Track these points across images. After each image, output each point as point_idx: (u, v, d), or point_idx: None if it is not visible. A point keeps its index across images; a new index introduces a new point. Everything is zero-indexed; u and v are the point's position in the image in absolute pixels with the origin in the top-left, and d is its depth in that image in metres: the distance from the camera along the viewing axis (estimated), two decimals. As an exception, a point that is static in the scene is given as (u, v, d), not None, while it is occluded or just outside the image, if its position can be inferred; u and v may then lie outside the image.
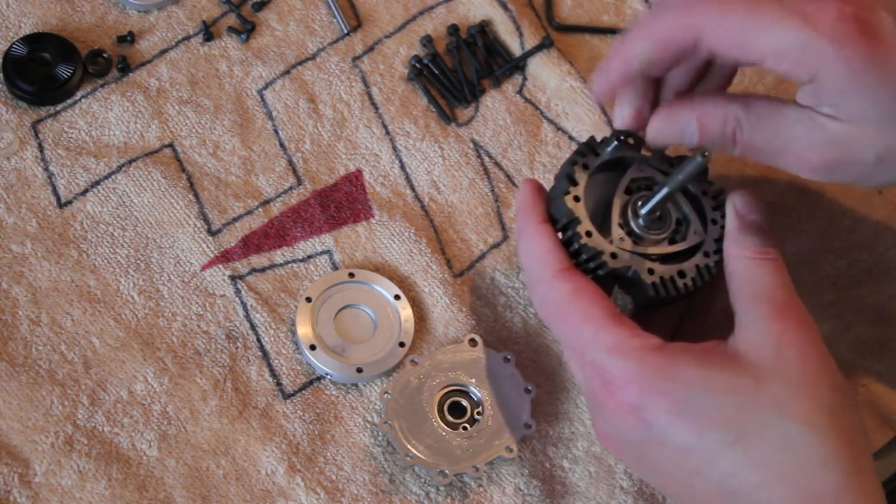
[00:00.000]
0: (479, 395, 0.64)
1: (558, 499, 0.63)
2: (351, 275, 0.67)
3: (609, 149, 0.58)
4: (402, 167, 0.72)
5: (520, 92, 0.75)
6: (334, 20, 0.75)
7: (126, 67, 0.72)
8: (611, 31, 0.78)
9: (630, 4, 0.79)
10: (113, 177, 0.68)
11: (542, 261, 0.55)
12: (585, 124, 0.73)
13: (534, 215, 0.57)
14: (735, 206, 0.56)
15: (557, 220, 0.57)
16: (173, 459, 0.61)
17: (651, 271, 0.55)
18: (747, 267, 0.53)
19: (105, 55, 0.72)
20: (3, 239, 0.66)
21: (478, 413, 0.63)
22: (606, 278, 0.56)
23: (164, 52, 0.73)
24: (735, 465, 0.48)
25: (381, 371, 0.64)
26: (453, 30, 0.75)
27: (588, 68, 0.76)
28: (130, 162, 0.69)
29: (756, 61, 0.50)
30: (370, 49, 0.75)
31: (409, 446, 0.62)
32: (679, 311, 0.61)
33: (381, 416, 0.64)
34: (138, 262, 0.66)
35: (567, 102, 0.74)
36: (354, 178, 0.71)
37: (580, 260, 0.55)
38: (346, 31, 0.75)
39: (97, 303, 0.65)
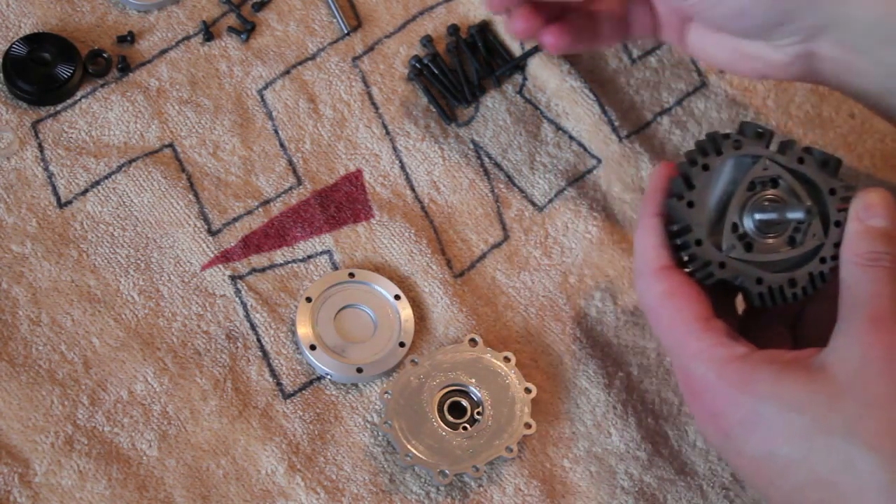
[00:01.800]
0: (479, 395, 0.64)
1: (558, 499, 0.63)
2: (351, 275, 0.67)
3: (727, 162, 0.55)
4: (403, 167, 0.72)
5: (520, 92, 0.75)
6: (334, 20, 0.75)
7: (126, 67, 0.72)
8: (611, 31, 0.78)
9: (630, 4, 0.79)
10: (113, 177, 0.68)
11: (645, 255, 0.55)
12: (585, 124, 0.73)
13: (651, 206, 0.56)
14: (857, 209, 0.54)
15: (671, 221, 0.55)
16: (173, 459, 0.61)
17: (759, 280, 0.54)
18: (854, 273, 0.52)
19: (105, 55, 0.72)
20: (3, 239, 0.66)
21: (478, 413, 0.63)
22: (714, 285, 0.55)
23: (164, 52, 0.73)
24: (802, 481, 0.49)
25: (381, 371, 0.64)
26: (453, 30, 0.75)
27: (588, 68, 0.76)
28: (130, 162, 0.69)
29: None
30: (370, 49, 0.75)
31: (409, 446, 0.62)
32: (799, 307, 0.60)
33: (381, 416, 0.64)
34: (138, 262, 0.66)
35: (567, 102, 0.74)
36: (354, 178, 0.71)
37: (689, 267, 0.55)
38: (345, 32, 0.75)
39: (97, 303, 0.65)
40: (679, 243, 0.55)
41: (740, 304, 0.59)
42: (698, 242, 0.54)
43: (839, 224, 0.55)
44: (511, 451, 0.62)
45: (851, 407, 0.48)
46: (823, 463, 0.48)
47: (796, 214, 0.53)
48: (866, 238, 0.53)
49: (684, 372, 0.53)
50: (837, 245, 0.54)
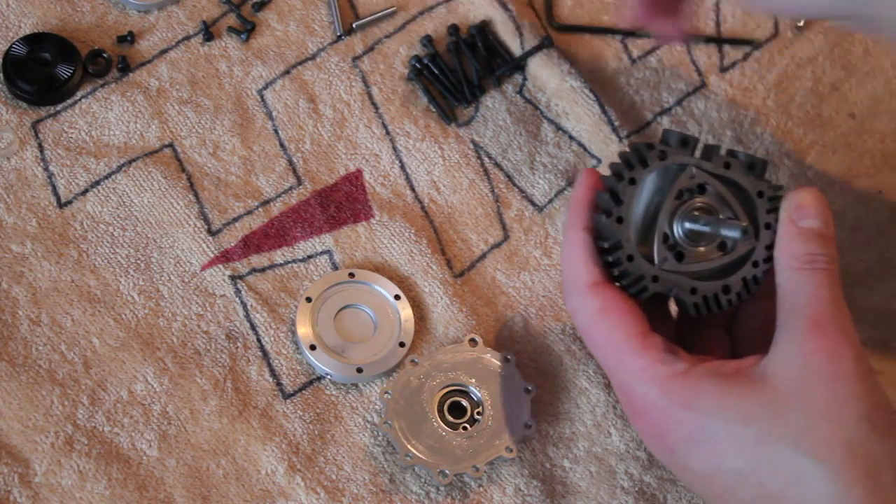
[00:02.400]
0: (479, 395, 0.64)
1: (559, 499, 0.63)
2: (351, 275, 0.67)
3: (653, 172, 0.54)
4: (402, 167, 0.72)
5: (520, 92, 0.75)
6: (334, 21, 0.75)
7: (126, 67, 0.72)
8: (611, 31, 0.78)
9: (630, 4, 0.79)
10: (113, 177, 0.68)
11: (576, 271, 0.54)
12: (585, 124, 0.73)
13: (578, 219, 0.55)
14: (788, 210, 0.53)
15: (600, 237, 0.54)
16: (173, 459, 0.61)
17: (693, 291, 0.54)
18: (791, 277, 0.51)
19: (105, 55, 0.72)
20: (3, 239, 0.66)
21: (478, 413, 0.63)
22: (649, 300, 0.54)
23: (164, 52, 0.73)
24: (751, 496, 0.48)
25: (381, 371, 0.64)
26: (453, 30, 0.75)
27: (588, 68, 0.76)
28: (130, 162, 0.69)
29: None
30: (370, 49, 0.75)
31: (409, 446, 0.62)
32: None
33: (381, 416, 0.64)
34: (138, 262, 0.66)
35: (567, 102, 0.74)
36: (354, 178, 0.71)
37: (622, 283, 0.54)
38: (339, 34, 0.74)
39: (97, 303, 0.65)
40: (611, 260, 0.54)
41: (674, 308, 0.59)
42: (630, 258, 0.53)
43: (769, 226, 0.54)
44: (511, 451, 0.62)
45: (796, 418, 0.47)
46: (771, 476, 0.47)
47: (732, 234, 0.52)
48: (800, 240, 0.52)
49: (625, 390, 0.52)
50: (769, 247, 0.54)
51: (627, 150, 0.56)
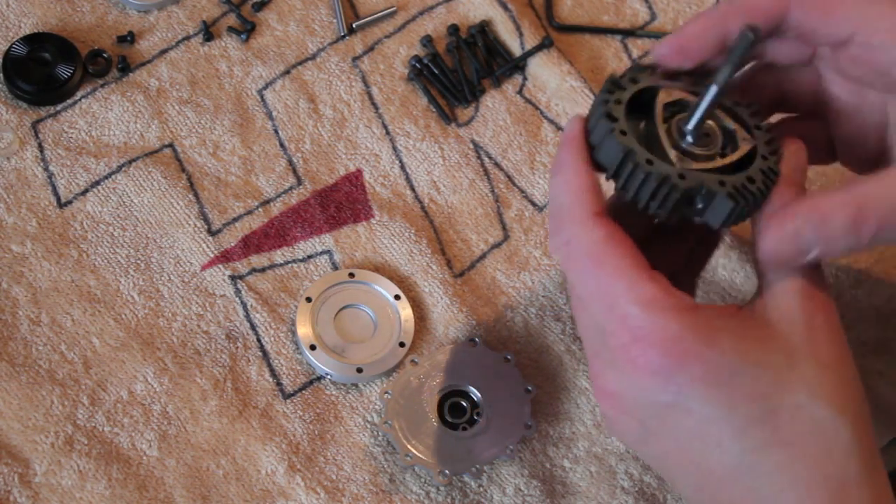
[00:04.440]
0: (478, 395, 0.64)
1: (559, 499, 0.63)
2: (351, 275, 0.67)
3: (632, 93, 0.52)
4: (402, 167, 0.72)
5: (520, 92, 0.75)
6: (335, 20, 0.75)
7: (126, 67, 0.72)
8: (611, 31, 0.78)
9: (630, 4, 0.79)
10: (113, 177, 0.68)
11: (578, 198, 0.50)
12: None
13: (581, 152, 0.51)
14: (786, 172, 0.51)
15: (607, 165, 0.50)
16: (173, 459, 0.61)
17: (722, 183, 0.50)
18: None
19: (105, 55, 0.72)
20: (3, 239, 0.66)
21: (477, 413, 0.63)
22: (673, 210, 0.50)
23: (164, 52, 0.73)
24: (761, 441, 0.46)
25: (381, 371, 0.64)
26: (453, 30, 0.75)
27: (588, 68, 0.76)
28: (130, 162, 0.69)
29: (845, 34, 0.49)
30: (370, 49, 0.75)
31: (409, 446, 0.62)
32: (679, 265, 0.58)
33: (381, 416, 0.64)
34: (138, 262, 0.66)
35: (567, 102, 0.74)
36: (354, 178, 0.71)
37: (641, 195, 0.50)
38: (342, 34, 0.74)
39: (97, 303, 0.65)
40: (629, 173, 0.50)
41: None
42: (649, 162, 0.50)
43: (759, 128, 0.53)
44: (511, 451, 0.62)
45: (810, 369, 0.47)
46: (788, 423, 0.46)
47: (716, 86, 0.50)
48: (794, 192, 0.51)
49: (631, 322, 0.47)
50: (768, 143, 0.52)
51: (605, 85, 0.53)
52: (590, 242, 0.49)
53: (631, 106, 0.52)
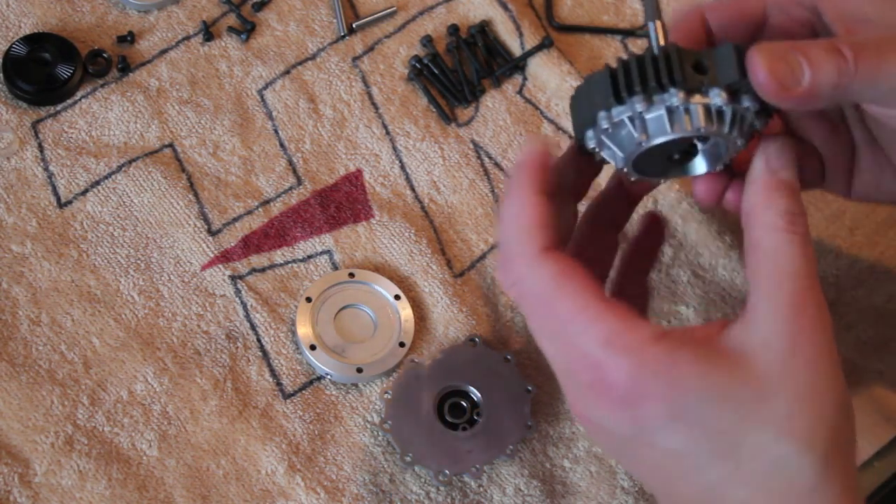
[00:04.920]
0: (478, 395, 0.64)
1: (559, 499, 0.63)
2: (351, 275, 0.67)
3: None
4: (402, 167, 0.72)
5: (520, 92, 0.75)
6: (335, 20, 0.75)
7: (126, 67, 0.72)
8: (611, 31, 0.78)
9: (630, 4, 0.79)
10: (113, 177, 0.68)
11: (526, 234, 0.48)
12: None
13: (533, 182, 0.49)
14: (767, 158, 0.49)
15: (598, 90, 0.48)
16: (173, 459, 0.61)
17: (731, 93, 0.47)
18: (772, 238, 0.47)
19: (105, 55, 0.72)
20: (3, 239, 0.66)
21: (477, 413, 0.63)
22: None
23: (164, 52, 0.73)
24: (724, 477, 0.46)
25: (381, 371, 0.64)
26: (453, 30, 0.75)
27: (588, 68, 0.76)
28: (130, 162, 0.69)
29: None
30: (370, 49, 0.75)
31: (409, 446, 0.62)
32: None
33: (381, 416, 0.64)
34: (138, 262, 0.66)
35: (567, 102, 0.74)
36: (354, 178, 0.71)
37: (651, 130, 0.47)
38: (342, 34, 0.74)
39: (97, 303, 0.65)
40: (640, 103, 0.47)
41: None
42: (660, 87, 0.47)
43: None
44: (511, 451, 0.62)
45: (781, 402, 0.45)
46: (749, 461, 0.45)
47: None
48: (781, 194, 0.47)
49: (590, 361, 0.46)
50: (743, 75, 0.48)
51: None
52: (540, 282, 0.47)
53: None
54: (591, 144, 0.50)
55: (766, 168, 0.48)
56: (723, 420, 0.45)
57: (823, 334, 0.46)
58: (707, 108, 0.47)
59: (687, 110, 0.47)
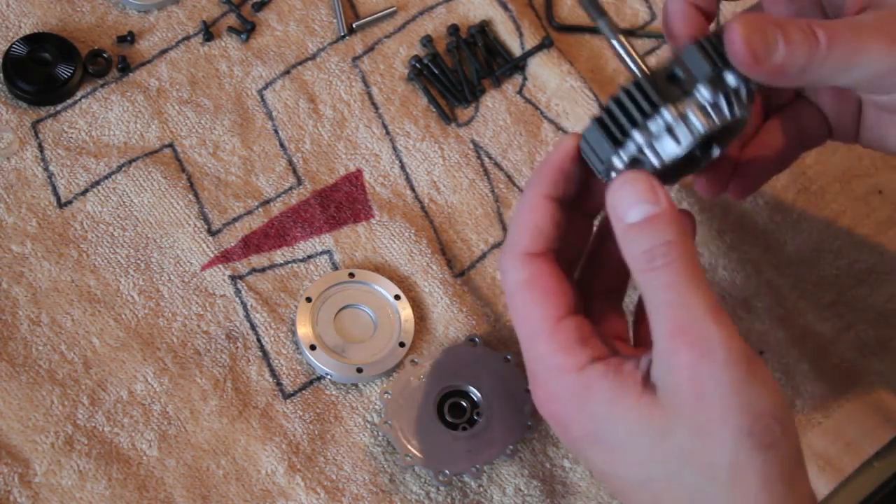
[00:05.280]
0: (478, 395, 0.64)
1: (559, 499, 0.63)
2: (351, 275, 0.67)
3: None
4: (402, 167, 0.72)
5: (520, 92, 0.75)
6: (335, 20, 0.75)
7: (126, 67, 0.72)
8: (611, 31, 0.78)
9: (630, 4, 0.79)
10: (113, 177, 0.68)
11: (519, 235, 0.51)
12: (585, 124, 0.73)
13: (543, 185, 0.51)
14: (613, 208, 0.49)
15: (595, 140, 0.49)
16: (173, 459, 0.61)
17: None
18: (642, 282, 0.48)
19: (105, 55, 0.72)
20: (3, 239, 0.66)
21: (477, 413, 0.63)
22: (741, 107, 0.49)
23: (164, 52, 0.73)
24: (646, 500, 0.48)
25: (381, 371, 0.64)
26: (453, 30, 0.75)
27: (588, 68, 0.76)
28: (130, 162, 0.69)
29: None
30: (370, 49, 0.75)
31: (409, 446, 0.62)
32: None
33: (381, 416, 0.64)
34: (138, 262, 0.66)
35: (567, 102, 0.74)
36: (354, 178, 0.71)
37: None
38: (342, 34, 0.74)
39: (97, 303, 0.65)
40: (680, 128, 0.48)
41: None
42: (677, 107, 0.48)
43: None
44: (511, 451, 0.62)
45: (682, 438, 0.45)
46: (665, 490, 0.46)
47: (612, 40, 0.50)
48: (630, 239, 0.48)
49: (531, 371, 0.51)
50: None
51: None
52: (512, 283, 0.51)
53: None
54: (619, 167, 0.51)
55: (612, 214, 0.48)
56: (635, 451, 0.47)
57: (707, 367, 0.45)
58: (701, 107, 0.48)
59: (684, 118, 0.48)
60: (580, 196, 0.54)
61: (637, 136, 0.49)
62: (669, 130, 0.49)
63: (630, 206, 0.48)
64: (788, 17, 0.48)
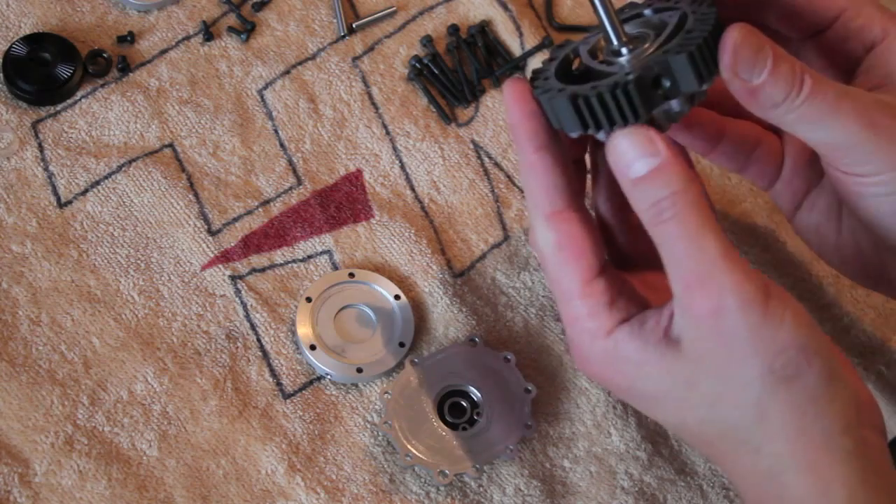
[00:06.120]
0: (478, 395, 0.64)
1: (559, 499, 0.63)
2: (351, 275, 0.67)
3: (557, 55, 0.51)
4: (402, 167, 0.72)
5: (520, 92, 0.75)
6: (335, 20, 0.75)
7: (126, 67, 0.72)
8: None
9: (630, 4, 0.79)
10: (113, 177, 0.68)
11: (535, 197, 0.50)
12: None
13: (530, 140, 0.50)
14: (614, 165, 0.48)
15: (573, 127, 0.48)
16: (173, 459, 0.61)
17: (667, 52, 0.47)
18: (655, 235, 0.48)
19: (105, 55, 0.72)
20: (3, 239, 0.66)
21: (477, 413, 0.63)
22: (645, 105, 0.47)
23: (164, 52, 0.73)
24: (689, 440, 0.52)
25: (381, 371, 0.64)
26: (453, 30, 0.75)
27: (588, 68, 0.76)
28: (130, 162, 0.69)
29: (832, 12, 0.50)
30: (370, 49, 0.75)
31: (409, 446, 0.62)
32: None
33: (381, 416, 0.64)
34: (138, 262, 0.66)
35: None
36: (354, 178, 0.71)
37: (613, 112, 0.47)
38: (342, 34, 0.75)
39: (97, 303, 0.65)
40: (585, 109, 0.47)
41: None
42: (594, 87, 0.47)
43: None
44: (511, 451, 0.62)
45: (707, 387, 0.47)
46: (699, 433, 0.49)
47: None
48: (637, 194, 0.48)
49: (567, 332, 0.52)
50: (694, 2, 0.49)
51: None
52: (543, 246, 0.51)
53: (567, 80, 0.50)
54: (573, 135, 0.50)
55: (616, 171, 0.48)
56: (666, 404, 0.50)
57: (727, 310, 0.46)
58: (668, 113, 0.49)
59: (652, 122, 0.49)
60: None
61: (606, 132, 0.49)
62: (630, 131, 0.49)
63: (631, 162, 0.47)
64: (786, 53, 0.48)
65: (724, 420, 0.48)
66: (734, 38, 0.47)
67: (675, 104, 0.48)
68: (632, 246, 0.56)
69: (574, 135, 0.49)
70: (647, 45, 0.49)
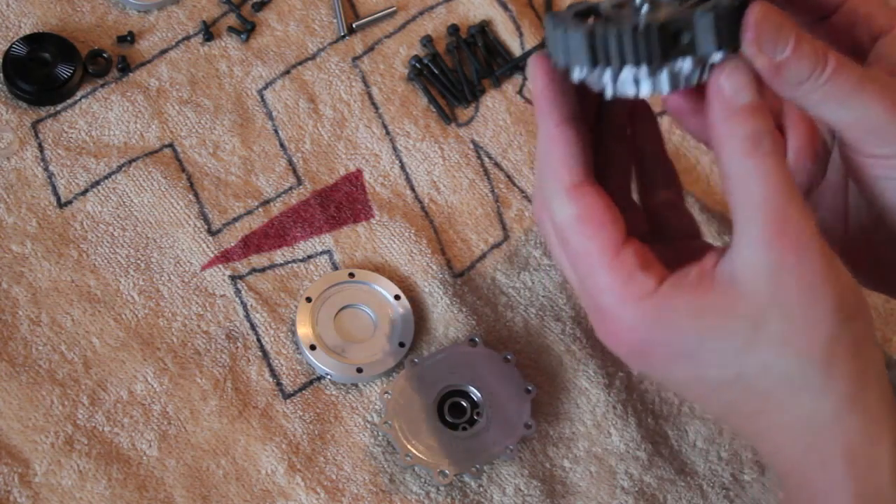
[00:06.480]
0: (478, 395, 0.64)
1: (559, 499, 0.63)
2: (351, 275, 0.67)
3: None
4: (402, 167, 0.72)
5: (520, 92, 0.75)
6: (335, 20, 0.75)
7: (126, 67, 0.72)
8: (611, 31, 0.78)
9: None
10: (113, 177, 0.68)
11: (553, 170, 0.50)
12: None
13: (553, 112, 0.50)
14: (720, 87, 0.48)
15: (581, 63, 0.48)
16: (173, 459, 0.62)
17: (705, 10, 0.47)
18: (740, 167, 0.47)
19: (105, 55, 0.72)
20: (3, 239, 0.66)
21: (477, 413, 0.63)
22: (663, 58, 0.47)
23: (164, 52, 0.73)
24: (735, 396, 0.49)
25: (381, 371, 0.64)
26: (453, 30, 0.75)
27: (588, 68, 0.76)
28: (130, 162, 0.69)
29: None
30: (370, 49, 0.75)
31: (409, 446, 0.62)
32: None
33: (381, 416, 0.64)
34: (138, 262, 0.66)
35: (567, 102, 0.74)
36: (354, 178, 0.71)
37: (629, 56, 0.47)
38: (342, 34, 0.75)
39: (97, 303, 0.65)
40: (601, 46, 0.47)
41: None
42: (616, 24, 0.47)
43: None
44: (511, 451, 0.62)
45: (775, 325, 0.47)
46: (757, 381, 0.48)
47: None
48: (740, 120, 0.47)
49: (598, 307, 0.50)
50: None
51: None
52: (563, 220, 0.49)
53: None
54: (576, 77, 0.49)
55: (719, 95, 0.48)
56: (724, 354, 0.48)
57: (810, 250, 0.46)
58: (675, 74, 0.48)
59: (655, 79, 0.48)
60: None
61: (613, 70, 0.48)
62: (636, 81, 0.48)
63: (744, 87, 0.47)
64: (807, 33, 0.48)
65: (787, 362, 0.47)
66: (756, 14, 0.47)
67: (686, 65, 0.48)
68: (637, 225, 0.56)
69: (578, 74, 0.49)
70: (668, 6, 0.49)
